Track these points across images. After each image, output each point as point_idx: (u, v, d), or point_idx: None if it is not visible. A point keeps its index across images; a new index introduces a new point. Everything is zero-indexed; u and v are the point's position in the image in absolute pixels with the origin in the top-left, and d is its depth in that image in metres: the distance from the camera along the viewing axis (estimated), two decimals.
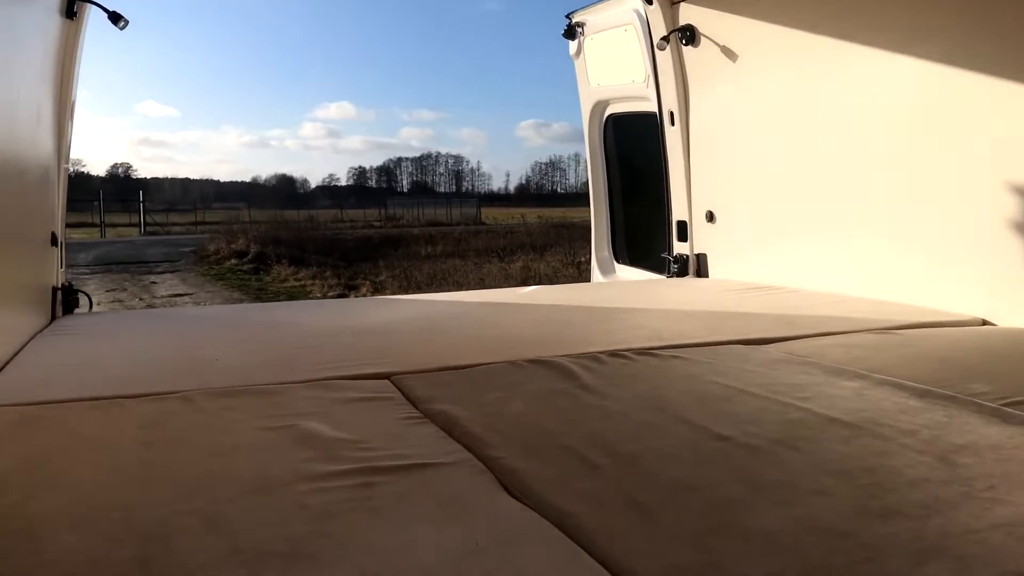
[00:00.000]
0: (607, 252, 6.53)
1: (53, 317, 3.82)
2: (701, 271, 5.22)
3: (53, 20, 3.70)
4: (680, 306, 3.97)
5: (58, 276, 3.95)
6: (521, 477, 1.70)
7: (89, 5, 3.93)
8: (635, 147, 6.20)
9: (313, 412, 2.16)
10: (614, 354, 2.78)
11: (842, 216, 4.13)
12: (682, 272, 5.29)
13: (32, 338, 3.29)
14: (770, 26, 4.30)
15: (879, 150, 3.88)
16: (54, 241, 3.84)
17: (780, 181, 4.48)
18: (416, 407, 2.23)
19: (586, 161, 6.62)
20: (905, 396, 2.22)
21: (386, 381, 2.50)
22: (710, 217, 5.07)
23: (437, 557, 1.34)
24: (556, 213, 45.00)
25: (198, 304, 14.58)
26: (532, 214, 44.93)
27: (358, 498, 1.59)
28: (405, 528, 1.45)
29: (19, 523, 1.47)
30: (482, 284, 15.86)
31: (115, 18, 4.01)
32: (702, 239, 5.21)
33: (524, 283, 16.05)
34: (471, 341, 3.13)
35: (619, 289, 5.09)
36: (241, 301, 14.90)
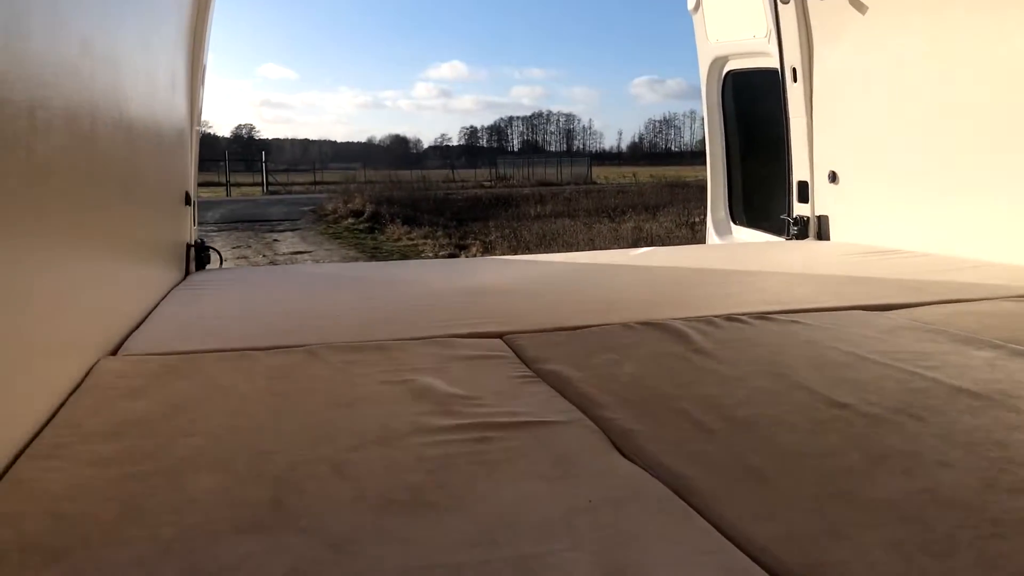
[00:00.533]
0: (723, 213, 6.39)
1: (187, 272, 4.05)
2: (822, 234, 5.04)
3: None
4: (799, 270, 3.85)
5: (191, 233, 4.18)
6: (634, 438, 1.71)
7: None
8: (755, 104, 6.00)
9: (429, 368, 2.23)
10: (730, 318, 2.74)
11: (978, 176, 3.89)
12: (802, 235, 5.12)
13: (170, 291, 3.51)
14: None
15: (1021, 106, 3.62)
16: (188, 200, 4.06)
17: (910, 139, 4.26)
18: (528, 366, 2.27)
19: (703, 119, 6.46)
20: None
21: (499, 340, 2.55)
22: (833, 178, 4.87)
23: (551, 512, 1.37)
24: (670, 172, 44.22)
25: (317, 262, 15.13)
26: (644, 173, 44.28)
27: (474, 452, 1.63)
28: (519, 483, 1.49)
29: (164, 463, 1.59)
30: (592, 245, 15.80)
31: None
32: (824, 200, 5.02)
33: (635, 244, 15.88)
34: (583, 302, 3.14)
35: (735, 251, 4.98)
36: (357, 259, 15.38)
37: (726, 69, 6.07)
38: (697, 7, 6.03)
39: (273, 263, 14.74)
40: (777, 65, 5.15)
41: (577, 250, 15.12)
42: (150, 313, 3.02)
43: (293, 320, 2.92)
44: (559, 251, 15.16)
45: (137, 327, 2.78)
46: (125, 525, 1.33)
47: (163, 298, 3.33)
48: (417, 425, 1.79)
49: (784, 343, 2.45)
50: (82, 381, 2.11)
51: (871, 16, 4.37)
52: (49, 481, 1.50)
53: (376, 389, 2.06)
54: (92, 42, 2.37)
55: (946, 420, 1.76)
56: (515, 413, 1.85)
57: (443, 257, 15.58)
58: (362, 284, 3.76)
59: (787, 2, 4.79)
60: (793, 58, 4.94)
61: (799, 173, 5.13)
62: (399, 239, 18.05)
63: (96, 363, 2.26)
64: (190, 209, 4.13)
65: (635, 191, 27.87)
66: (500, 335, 2.61)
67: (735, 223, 6.30)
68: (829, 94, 4.82)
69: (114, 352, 2.46)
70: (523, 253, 15.44)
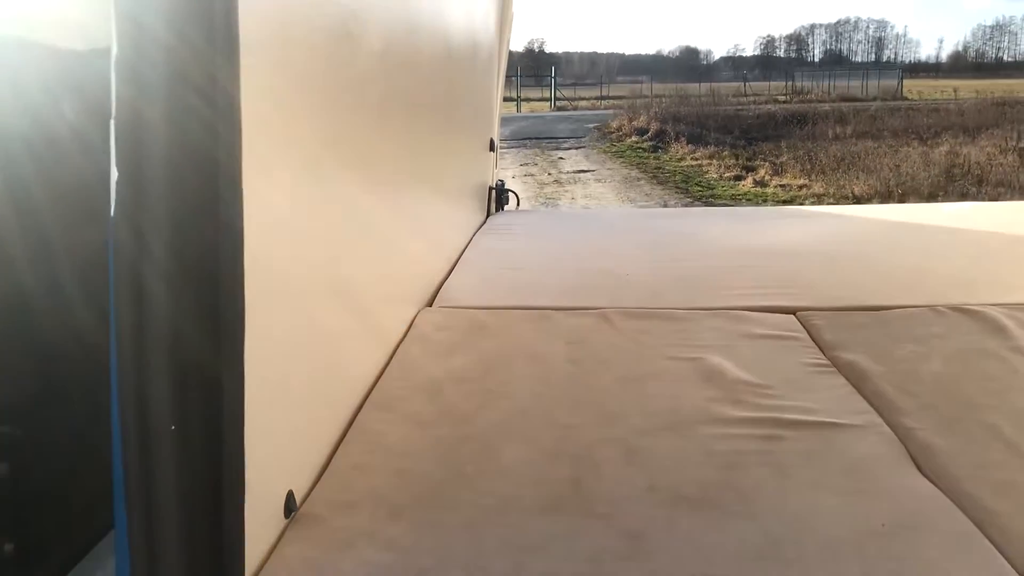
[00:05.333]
0: None
1: (488, 214, 4.36)
2: None
3: None
4: None
5: (493, 176, 4.47)
6: (936, 455, 1.65)
7: None
8: None
9: (719, 345, 2.26)
10: None
11: None
12: None
13: (476, 232, 3.81)
14: None
15: None
16: (492, 147, 4.34)
17: None
18: (823, 352, 2.22)
19: None
20: None
21: (792, 317, 2.50)
22: None
23: (842, 531, 1.38)
24: (999, 86, 38.82)
25: (599, 181, 15.39)
26: (967, 88, 39.27)
27: (763, 451, 1.67)
28: (810, 492, 1.51)
29: (480, 428, 1.79)
30: (897, 170, 14.50)
31: None
32: None
33: (948, 171, 14.31)
34: (886, 274, 2.96)
35: None
36: (638, 180, 15.41)
37: None
38: None
39: (558, 181, 15.23)
40: None
41: (878, 176, 13.98)
42: (459, 258, 3.32)
43: (586, 276, 3.05)
44: (858, 176, 14.11)
45: (449, 274, 3.08)
46: (452, 489, 1.54)
47: (469, 242, 3.63)
48: (706, 413, 1.84)
49: None
50: (407, 331, 2.40)
51: None
52: (388, 435, 1.76)
53: (665, 365, 2.13)
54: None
55: None
56: (808, 409, 1.85)
57: (728, 179, 15.15)
58: (652, 235, 3.81)
59: None
60: None
61: None
62: (683, 159, 17.76)
63: (418, 313, 2.55)
64: (493, 154, 4.41)
65: (954, 109, 24.87)
66: (794, 311, 2.56)
67: None
68: None
69: (431, 302, 2.75)
70: (817, 177, 14.57)
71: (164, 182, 1.04)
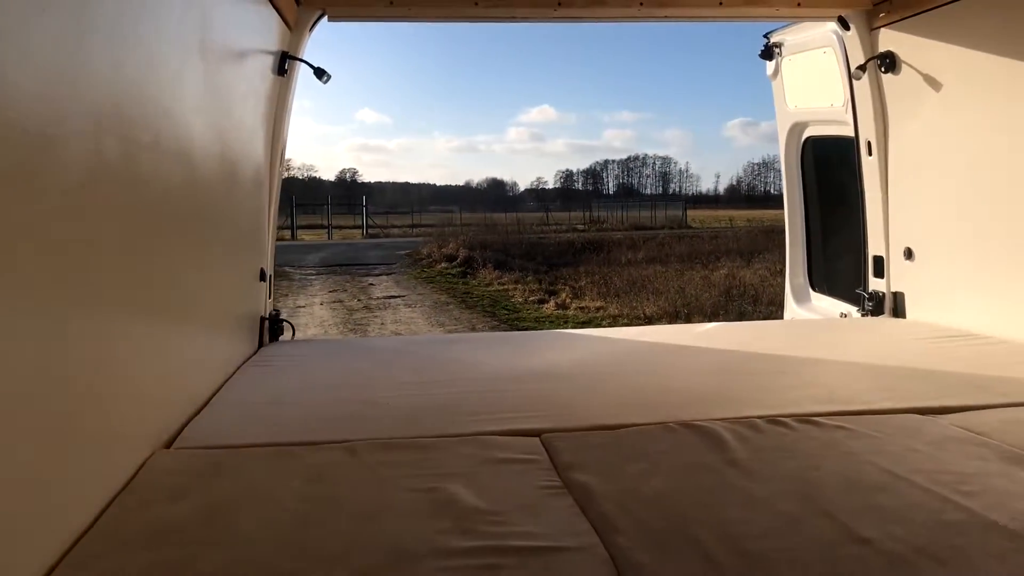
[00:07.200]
0: (802, 279, 6.26)
1: (261, 344, 4.24)
2: (898, 311, 4.86)
3: (268, 78, 4.12)
4: (863, 356, 3.73)
5: (266, 307, 4.38)
6: (642, 573, 1.71)
7: (298, 63, 4.34)
8: (835, 171, 5.89)
9: (461, 473, 2.27)
10: (774, 420, 2.68)
11: None
12: (877, 311, 4.95)
13: (240, 367, 3.67)
14: (979, 55, 3.93)
15: None
16: (263, 276, 4.27)
17: (990, 218, 4.09)
18: (559, 474, 2.28)
19: (782, 184, 6.37)
20: None
21: (536, 440, 2.57)
22: (908, 254, 4.71)
23: None
24: (768, 215, 43.43)
25: (409, 306, 15.47)
26: (741, 217, 43.66)
27: None
28: None
29: None
30: (682, 293, 15.62)
31: (319, 73, 4.40)
32: (899, 277, 4.85)
33: (727, 292, 15.61)
34: (629, 394, 3.12)
35: (801, 330, 4.84)
36: (448, 304, 15.65)
37: (805, 135, 5.99)
38: (776, 73, 5.98)
39: (368, 307, 15.18)
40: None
41: (666, 298, 15.01)
42: (215, 393, 3.17)
43: (344, 407, 3.01)
44: (648, 298, 15.11)
45: (200, 410, 2.92)
46: None
47: (232, 375, 3.49)
48: (432, 546, 1.83)
49: (823, 455, 2.38)
50: (133, 476, 2.24)
51: (946, 94, 4.24)
52: None
53: (402, 498, 2.11)
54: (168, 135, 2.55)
55: (968, 565, 1.69)
56: (532, 535, 1.87)
57: (533, 302, 15.72)
58: (418, 362, 3.83)
59: (859, 79, 4.71)
60: (868, 132, 4.82)
61: (874, 247, 4.98)
62: (490, 284, 18.28)
63: (150, 456, 2.39)
64: (265, 284, 4.33)
65: (730, 236, 27.44)
66: (539, 433, 2.63)
67: (815, 290, 6.16)
68: (905, 169, 4.68)
69: (170, 443, 2.58)
70: (613, 299, 15.44)
71: None
